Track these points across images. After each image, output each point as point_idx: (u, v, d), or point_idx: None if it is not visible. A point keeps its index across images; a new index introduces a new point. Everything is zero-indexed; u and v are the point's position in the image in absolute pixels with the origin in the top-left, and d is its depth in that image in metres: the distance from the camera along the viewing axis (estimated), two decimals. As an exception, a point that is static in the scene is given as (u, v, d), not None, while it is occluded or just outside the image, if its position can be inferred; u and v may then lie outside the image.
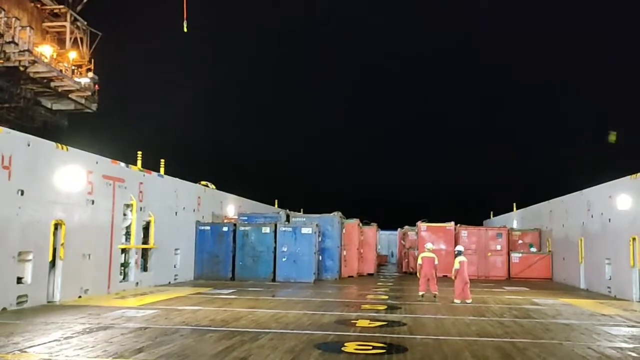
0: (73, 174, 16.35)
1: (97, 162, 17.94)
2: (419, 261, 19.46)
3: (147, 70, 50.93)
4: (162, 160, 24.03)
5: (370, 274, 31.65)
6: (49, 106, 37.92)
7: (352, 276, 29.30)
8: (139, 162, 21.76)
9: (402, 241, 37.50)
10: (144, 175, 21.06)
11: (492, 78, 64.70)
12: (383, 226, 42.11)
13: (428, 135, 68.96)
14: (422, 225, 31.70)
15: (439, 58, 68.55)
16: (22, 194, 14.25)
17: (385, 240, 48.78)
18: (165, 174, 23.40)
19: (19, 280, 14.32)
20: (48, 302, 15.35)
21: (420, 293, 18.87)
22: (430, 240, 25.76)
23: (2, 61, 31.25)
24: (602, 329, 12.92)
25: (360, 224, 31.59)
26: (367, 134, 71.25)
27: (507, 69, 63.21)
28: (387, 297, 19.55)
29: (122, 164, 19.71)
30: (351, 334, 11.66)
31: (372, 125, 70.92)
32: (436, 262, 19.13)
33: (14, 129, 35.47)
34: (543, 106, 67.23)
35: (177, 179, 24.23)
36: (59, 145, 16.10)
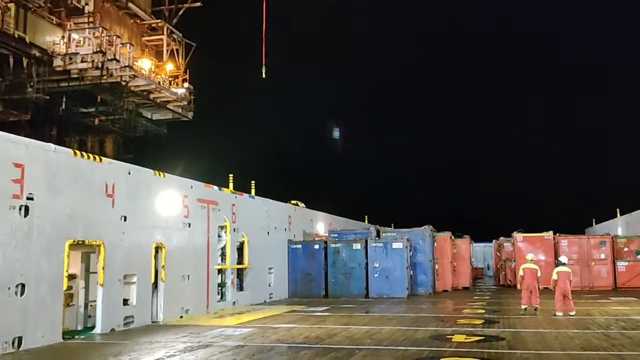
0: (170, 199, 17.16)
1: (191, 187, 18.73)
2: (520, 273, 18.77)
3: (237, 81, 52.42)
4: (253, 181, 24.73)
5: (465, 288, 30.87)
6: (149, 116, 40.31)
7: (446, 290, 28.69)
8: (231, 185, 22.49)
9: (497, 253, 36.34)
10: (236, 197, 21.73)
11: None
12: (477, 238, 40.99)
13: (518, 142, 66.82)
14: (518, 236, 30.60)
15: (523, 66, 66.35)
16: (124, 219, 15.09)
17: (480, 252, 47.44)
18: (255, 194, 24.04)
19: (125, 302, 15.11)
20: (152, 322, 16.08)
21: (523, 306, 18.11)
22: (527, 252, 24.82)
23: (105, 77, 33.50)
24: None
25: (453, 237, 30.95)
26: (457, 143, 70.02)
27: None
28: (484, 311, 18.99)
29: (215, 187, 20.44)
30: (447, 350, 11.42)
31: (460, 134, 69.66)
32: (539, 273, 18.36)
33: (118, 139, 37.97)
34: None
35: (267, 199, 24.81)
36: (157, 172, 16.96)
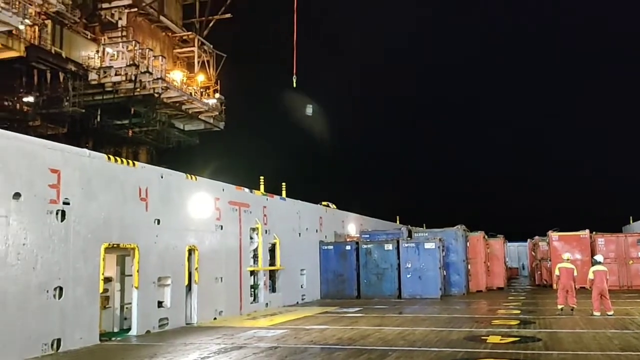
0: (202, 202, 17.32)
1: (223, 189, 18.88)
2: (556, 272, 18.43)
3: (265, 89, 52.85)
4: (283, 183, 24.83)
5: (500, 288, 30.45)
6: (181, 127, 40.95)
7: (480, 291, 28.35)
8: (262, 187, 22.62)
9: (532, 252, 35.79)
10: (267, 199, 21.84)
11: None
12: (511, 238, 40.46)
13: (553, 140, 65.73)
14: (553, 235, 30.08)
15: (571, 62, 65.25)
16: (158, 222, 15.29)
17: (515, 252, 46.76)
18: (286, 196, 24.12)
19: (160, 304, 15.31)
20: (186, 324, 16.26)
21: (559, 306, 17.78)
22: (563, 251, 24.39)
23: (139, 90, 34.10)
24: None
25: (486, 237, 30.59)
26: (491, 142, 69.16)
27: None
28: (519, 311, 18.71)
29: (246, 190, 20.58)
30: (482, 351, 11.28)
31: (495, 133, 68.82)
32: (575, 273, 18.00)
33: (152, 149, 38.67)
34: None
35: (298, 200, 24.88)
36: (188, 175, 17.15)
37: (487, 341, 12.43)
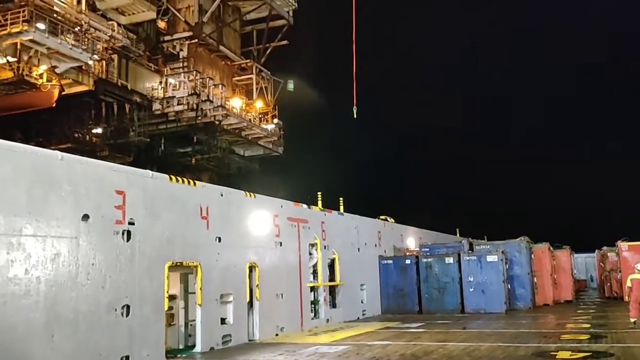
0: (261, 219, 17.52)
1: (281, 206, 19.04)
2: (628, 284, 17.69)
3: (322, 113, 53.32)
4: (341, 198, 24.86)
5: (567, 301, 29.40)
6: (241, 153, 41.74)
7: (547, 304, 27.44)
8: (320, 203, 22.70)
9: (601, 264, 34.41)
10: (325, 215, 21.88)
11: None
12: (577, 249, 39.07)
13: (620, 147, 63.38)
14: (622, 245, 28.85)
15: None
16: (219, 240, 15.54)
17: (582, 263, 45.14)
18: (344, 211, 24.10)
19: (223, 321, 15.51)
20: (249, 340, 16.38)
21: (632, 320, 17.00)
22: (634, 261, 23.30)
23: (200, 118, 35.05)
24: None
25: (551, 248, 29.66)
26: (556, 152, 67.33)
27: None
28: (589, 325, 17.98)
29: (304, 206, 20.68)
30: (552, 367, 10.89)
31: (560, 143, 67.04)
32: None
33: (213, 176, 39.61)
34: None
35: (356, 215, 24.81)
36: (247, 193, 17.39)
37: (557, 357, 11.99)
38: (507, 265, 25.16)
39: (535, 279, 27.41)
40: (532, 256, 27.58)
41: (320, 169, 46.77)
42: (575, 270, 38.17)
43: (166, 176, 14.36)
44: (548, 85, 71.53)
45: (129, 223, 12.54)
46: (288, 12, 43.70)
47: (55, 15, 27.56)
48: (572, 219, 57.50)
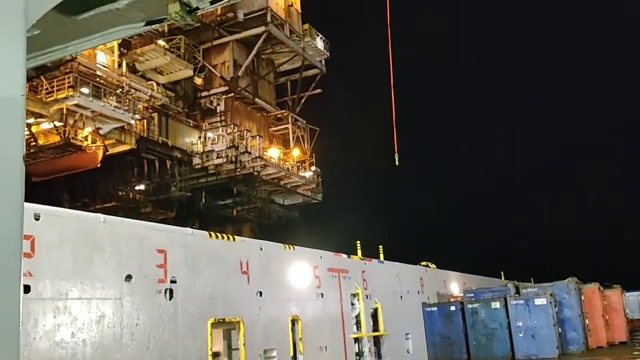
0: (301, 271, 17.49)
1: (321, 257, 18.99)
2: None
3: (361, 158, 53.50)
4: (380, 246, 24.64)
5: (622, 342, 28.20)
6: (281, 202, 42.00)
7: (600, 347, 26.38)
8: (359, 252, 22.55)
9: (656, 302, 33.06)
10: (365, 264, 21.70)
11: None
12: (629, 287, 37.62)
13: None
14: (677, 282, 27.74)
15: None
16: (260, 295, 15.54)
17: (635, 302, 43.30)
18: (384, 259, 23.87)
19: (268, 376, 15.37)
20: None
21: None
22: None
23: (239, 170, 35.60)
24: None
25: (601, 288, 28.67)
26: (601, 190, 65.76)
27: None
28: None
29: (344, 255, 20.58)
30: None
31: (606, 178, 65.53)
32: None
33: (254, 226, 39.81)
34: None
35: (397, 263, 24.53)
36: (286, 245, 17.44)
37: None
38: (556, 308, 24.37)
39: (587, 321, 26.43)
40: (582, 297, 26.68)
41: (360, 215, 46.72)
42: (628, 310, 36.66)
43: (206, 233, 14.55)
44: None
45: (171, 281, 12.67)
46: (320, 61, 44.49)
47: (97, 79, 28.74)
48: (622, 257, 55.62)
